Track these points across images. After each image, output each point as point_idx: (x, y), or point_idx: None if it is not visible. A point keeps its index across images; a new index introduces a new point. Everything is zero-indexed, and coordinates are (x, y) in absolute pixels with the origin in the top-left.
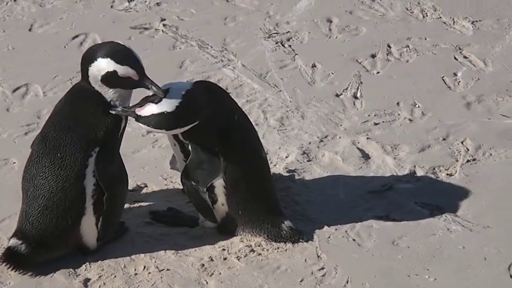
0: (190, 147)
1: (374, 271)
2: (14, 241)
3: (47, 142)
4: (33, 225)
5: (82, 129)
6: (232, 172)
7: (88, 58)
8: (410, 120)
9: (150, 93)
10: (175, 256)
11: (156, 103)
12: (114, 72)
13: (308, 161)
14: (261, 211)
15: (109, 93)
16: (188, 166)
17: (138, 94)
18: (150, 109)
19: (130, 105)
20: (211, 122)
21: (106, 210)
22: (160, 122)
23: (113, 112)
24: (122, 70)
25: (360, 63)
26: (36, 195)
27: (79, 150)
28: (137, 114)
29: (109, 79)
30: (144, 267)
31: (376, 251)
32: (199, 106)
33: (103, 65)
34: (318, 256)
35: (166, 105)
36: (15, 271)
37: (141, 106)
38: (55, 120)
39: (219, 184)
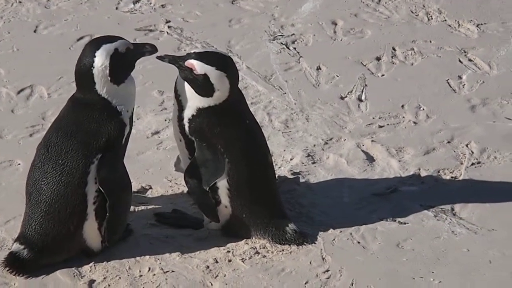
0: (195, 145)
1: (379, 273)
2: (16, 246)
3: (49, 148)
4: (35, 230)
5: (84, 135)
6: (236, 175)
7: (86, 63)
8: (414, 123)
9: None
10: (180, 258)
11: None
12: (116, 50)
13: (313, 163)
14: (265, 215)
15: (117, 94)
16: (192, 164)
17: (139, 97)
18: (204, 51)
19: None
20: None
21: (109, 217)
22: (215, 60)
23: (164, 61)
24: (119, 45)
25: (365, 65)
26: (38, 200)
27: (80, 157)
28: (192, 54)
29: (115, 60)
30: (149, 268)
31: (381, 254)
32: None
33: (107, 50)
34: (323, 259)
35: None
36: (18, 276)
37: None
38: (58, 126)
39: (222, 185)
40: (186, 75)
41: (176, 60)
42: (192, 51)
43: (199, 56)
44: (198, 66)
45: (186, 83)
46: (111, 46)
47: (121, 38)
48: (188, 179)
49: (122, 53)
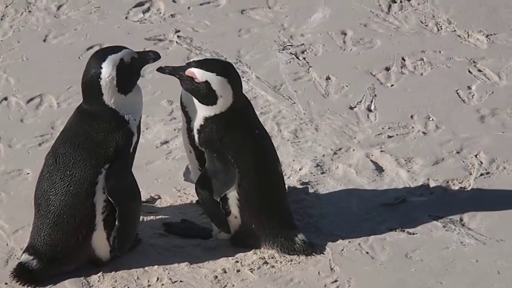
0: (206, 156)
1: (387, 284)
2: (25, 257)
3: (57, 158)
4: (44, 241)
5: (92, 146)
6: (246, 185)
7: (93, 75)
8: (424, 133)
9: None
10: (188, 268)
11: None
12: (121, 60)
13: (322, 173)
14: (275, 225)
15: (125, 104)
16: (203, 175)
17: (148, 107)
18: (204, 59)
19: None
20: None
21: (119, 226)
22: (215, 66)
23: (165, 73)
24: (124, 55)
25: (374, 75)
26: (46, 211)
27: (88, 167)
28: (191, 63)
29: (121, 71)
30: (157, 278)
31: (389, 264)
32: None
33: (113, 60)
34: (331, 269)
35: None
36: (27, 287)
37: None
38: (65, 136)
39: (232, 196)
40: (187, 85)
41: (176, 71)
42: (191, 60)
43: (199, 64)
44: (199, 74)
45: None
46: (116, 57)
47: (125, 48)
48: (200, 191)
49: (128, 62)
